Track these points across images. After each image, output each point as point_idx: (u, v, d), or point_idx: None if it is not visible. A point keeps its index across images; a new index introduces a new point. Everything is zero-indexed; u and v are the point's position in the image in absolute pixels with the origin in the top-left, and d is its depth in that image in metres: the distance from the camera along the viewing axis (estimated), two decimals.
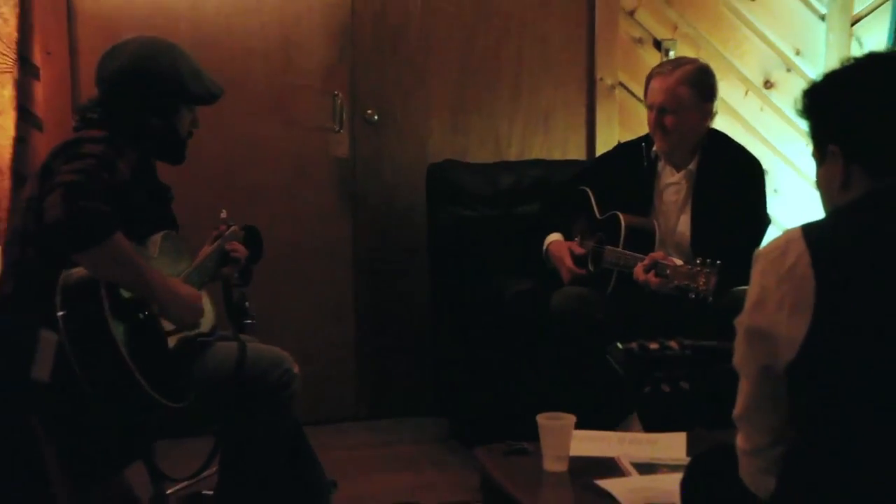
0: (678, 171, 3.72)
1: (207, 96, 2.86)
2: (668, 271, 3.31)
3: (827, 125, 1.78)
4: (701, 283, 3.17)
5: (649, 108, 3.68)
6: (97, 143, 2.57)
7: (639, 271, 3.40)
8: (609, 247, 3.61)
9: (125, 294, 2.50)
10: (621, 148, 4.04)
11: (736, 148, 3.79)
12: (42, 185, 2.57)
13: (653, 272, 3.36)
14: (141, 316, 2.52)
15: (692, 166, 3.69)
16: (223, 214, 3.05)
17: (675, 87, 3.60)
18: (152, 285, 2.54)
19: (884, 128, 1.71)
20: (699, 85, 3.62)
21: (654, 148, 3.72)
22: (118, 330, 2.41)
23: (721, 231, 3.53)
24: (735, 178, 3.66)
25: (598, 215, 3.76)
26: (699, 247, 3.57)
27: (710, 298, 3.17)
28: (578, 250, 3.73)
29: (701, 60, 3.77)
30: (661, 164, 3.75)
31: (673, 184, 3.73)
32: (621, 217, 3.62)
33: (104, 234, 2.36)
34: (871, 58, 1.79)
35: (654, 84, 3.65)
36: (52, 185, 2.39)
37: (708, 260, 3.19)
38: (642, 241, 3.58)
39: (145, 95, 2.76)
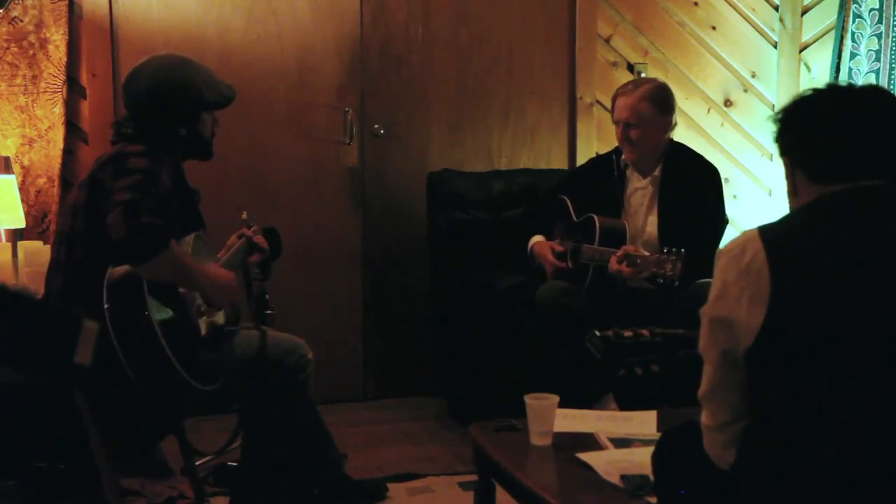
0: (645, 177, 3.72)
1: (223, 101, 2.86)
2: (638, 261, 3.33)
3: (781, 140, 1.80)
4: (668, 269, 3.19)
5: (616, 123, 3.70)
6: (140, 157, 2.56)
7: (613, 263, 3.41)
8: (586, 245, 3.60)
9: (164, 291, 2.49)
10: (594, 160, 4.07)
11: (695, 156, 3.82)
12: (92, 194, 2.56)
13: (625, 263, 3.37)
14: (178, 312, 2.52)
15: (657, 172, 3.70)
16: (244, 215, 3.04)
17: (636, 105, 3.62)
18: (199, 280, 2.57)
19: (823, 143, 1.72)
20: (658, 101, 3.64)
21: (623, 157, 3.72)
22: (157, 322, 2.40)
23: (685, 229, 3.54)
24: (695, 183, 3.68)
25: (575, 219, 3.75)
26: (666, 244, 3.56)
27: (677, 283, 3.17)
28: (559, 248, 3.72)
29: (659, 80, 3.81)
30: (629, 172, 3.75)
31: (640, 188, 3.73)
32: (596, 219, 3.62)
33: (162, 245, 2.37)
34: (828, 88, 1.80)
35: (619, 102, 3.67)
36: (110, 202, 2.39)
37: (674, 249, 3.20)
38: (615, 238, 3.59)
39: (169, 110, 2.74)
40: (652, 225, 3.68)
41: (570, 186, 3.91)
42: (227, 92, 2.86)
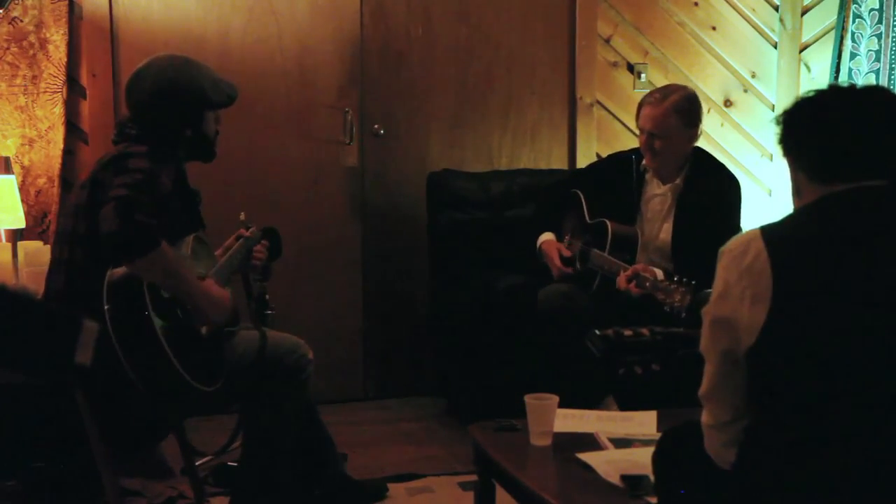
0: (665, 184, 3.66)
1: (226, 99, 2.85)
2: (647, 284, 3.28)
3: (784, 141, 1.80)
4: (677, 299, 3.13)
5: (640, 131, 3.62)
6: (142, 158, 2.55)
7: (621, 280, 3.36)
8: (596, 251, 3.56)
9: (164, 292, 2.49)
10: (612, 158, 3.97)
11: (717, 166, 3.75)
12: (92, 195, 2.55)
13: (634, 283, 3.32)
14: (179, 313, 2.51)
15: (678, 181, 3.63)
16: (242, 216, 3.03)
17: (663, 116, 3.53)
18: (190, 289, 2.53)
19: (824, 144, 1.72)
20: (686, 113, 3.56)
21: (644, 163, 3.67)
22: (157, 322, 2.40)
23: (699, 241, 3.47)
24: (715, 195, 3.61)
25: (587, 218, 3.71)
26: (679, 253, 3.54)
27: (684, 314, 3.12)
28: (567, 253, 3.69)
29: (688, 89, 3.68)
30: (648, 176, 3.68)
31: (659, 195, 3.66)
32: (609, 224, 3.57)
33: (152, 245, 2.35)
34: (829, 89, 1.81)
35: (646, 111, 3.58)
36: (106, 198, 2.38)
37: (685, 279, 3.15)
38: (626, 246, 3.54)
39: (174, 111, 2.73)
40: (666, 233, 3.63)
41: (586, 182, 3.84)
42: (229, 90, 2.85)
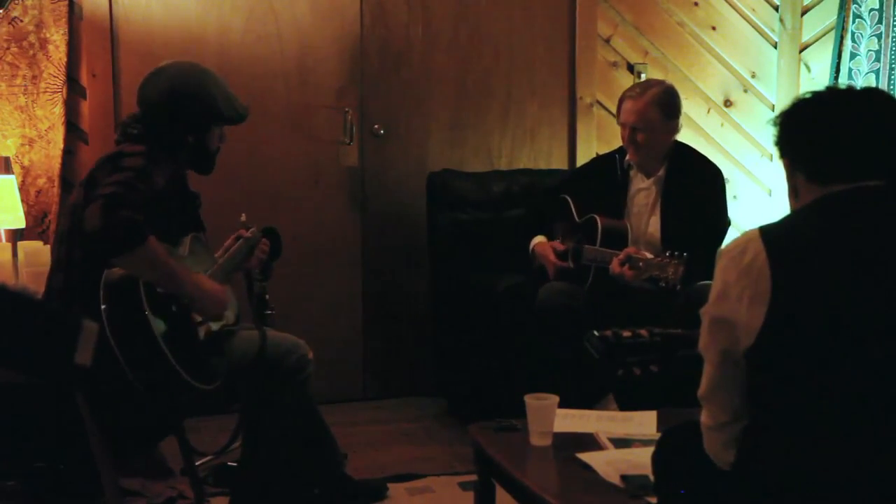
0: (648, 178, 3.72)
1: (237, 117, 2.85)
2: (640, 263, 3.33)
3: (781, 143, 1.81)
4: (670, 272, 3.19)
5: (622, 126, 3.69)
6: (136, 157, 2.56)
7: (615, 265, 3.41)
8: (588, 246, 3.60)
9: (160, 290, 2.49)
10: (597, 160, 4.07)
11: (699, 157, 3.82)
12: (87, 194, 2.55)
13: (627, 265, 3.37)
14: (174, 308, 2.51)
15: (661, 173, 3.70)
16: (242, 218, 3.04)
17: (644, 110, 3.60)
18: (182, 282, 2.53)
19: (822, 145, 1.73)
20: (666, 106, 3.63)
21: (627, 158, 3.72)
22: (155, 321, 2.40)
23: (687, 230, 3.54)
24: (698, 184, 3.68)
25: (577, 219, 3.75)
26: (668, 245, 3.56)
27: (679, 286, 3.18)
28: (560, 247, 3.72)
29: (667, 82, 3.77)
30: (632, 172, 3.75)
31: (643, 189, 3.72)
32: (598, 219, 3.62)
33: (138, 240, 2.35)
34: (827, 91, 1.81)
35: (626, 106, 3.65)
36: (94, 195, 2.39)
37: (676, 252, 3.20)
38: (617, 239, 3.58)
39: (182, 116, 2.74)
40: (654, 226, 3.68)
41: (573, 186, 3.91)
42: (241, 109, 2.86)
